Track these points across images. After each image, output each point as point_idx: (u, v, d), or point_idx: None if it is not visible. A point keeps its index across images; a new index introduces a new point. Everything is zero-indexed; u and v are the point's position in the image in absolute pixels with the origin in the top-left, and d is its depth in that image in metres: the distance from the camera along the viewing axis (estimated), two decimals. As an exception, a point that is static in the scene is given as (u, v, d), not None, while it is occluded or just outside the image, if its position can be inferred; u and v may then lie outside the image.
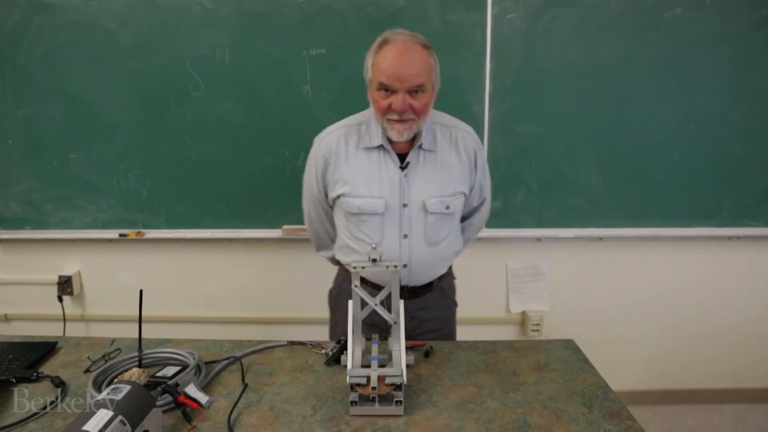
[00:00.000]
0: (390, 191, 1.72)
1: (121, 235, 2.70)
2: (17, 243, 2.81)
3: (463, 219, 1.95)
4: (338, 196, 1.75)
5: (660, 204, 2.67)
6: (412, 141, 1.72)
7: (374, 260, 1.40)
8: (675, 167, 2.62)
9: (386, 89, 1.59)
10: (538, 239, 2.77)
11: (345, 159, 1.74)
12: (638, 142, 2.59)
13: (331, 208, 1.86)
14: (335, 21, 2.45)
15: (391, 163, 1.72)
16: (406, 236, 1.74)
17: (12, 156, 2.62)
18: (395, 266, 1.41)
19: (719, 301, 2.90)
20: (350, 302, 1.45)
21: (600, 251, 2.81)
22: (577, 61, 2.50)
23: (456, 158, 1.77)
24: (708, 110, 2.56)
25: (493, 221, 2.64)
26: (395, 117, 1.61)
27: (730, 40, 2.48)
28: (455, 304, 2.03)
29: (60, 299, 2.85)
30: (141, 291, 1.52)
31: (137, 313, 1.51)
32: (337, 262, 1.99)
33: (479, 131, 2.53)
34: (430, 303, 1.89)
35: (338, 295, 1.97)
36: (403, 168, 1.72)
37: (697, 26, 2.47)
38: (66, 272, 2.83)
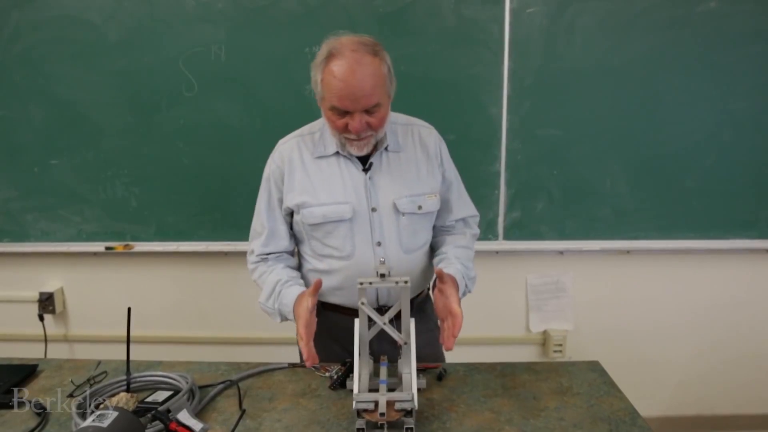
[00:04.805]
0: (355, 196, 1.72)
1: (107, 248, 2.71)
2: (-5, 256, 2.81)
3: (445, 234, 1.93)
4: (297, 208, 1.74)
5: (692, 214, 2.66)
6: (375, 145, 1.73)
7: (382, 275, 1.40)
8: (709, 174, 2.61)
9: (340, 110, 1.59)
10: (561, 252, 2.77)
11: (301, 168, 1.75)
12: (669, 147, 2.59)
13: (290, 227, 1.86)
14: (340, 15, 2.45)
15: (353, 166, 1.74)
16: (379, 243, 1.74)
17: (-11, 162, 2.63)
18: (405, 281, 1.41)
19: (757, 318, 2.88)
20: (356, 321, 1.45)
21: (628, 265, 2.80)
22: (602, 60, 2.50)
23: (423, 156, 1.79)
24: (745, 112, 2.55)
25: (512, 233, 2.63)
26: (353, 137, 1.62)
27: (768, 36, 2.49)
28: (437, 327, 1.98)
29: (41, 318, 2.84)
30: (129, 309, 1.52)
31: (125, 333, 1.51)
32: None
33: (497, 135, 2.54)
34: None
35: None
36: (366, 170, 1.73)
37: (733, 21, 2.46)
38: (47, 289, 2.83)
